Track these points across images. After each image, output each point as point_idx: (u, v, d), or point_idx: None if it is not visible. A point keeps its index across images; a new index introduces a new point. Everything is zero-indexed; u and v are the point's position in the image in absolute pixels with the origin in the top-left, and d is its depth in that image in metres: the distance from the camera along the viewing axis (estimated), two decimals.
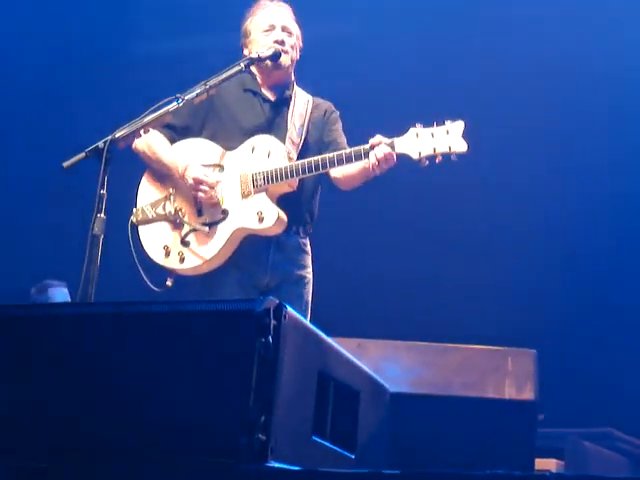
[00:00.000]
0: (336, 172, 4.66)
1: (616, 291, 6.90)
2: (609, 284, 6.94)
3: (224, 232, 4.53)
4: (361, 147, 4.41)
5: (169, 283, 4.55)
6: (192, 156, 4.65)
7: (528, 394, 4.35)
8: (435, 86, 7.01)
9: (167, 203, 4.63)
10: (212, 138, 4.69)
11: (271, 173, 4.50)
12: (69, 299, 6.55)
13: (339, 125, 4.88)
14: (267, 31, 4.72)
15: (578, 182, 7.04)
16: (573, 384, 6.56)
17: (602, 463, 5.59)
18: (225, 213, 4.55)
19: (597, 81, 6.99)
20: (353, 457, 3.10)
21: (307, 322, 2.86)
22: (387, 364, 4.31)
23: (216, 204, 4.56)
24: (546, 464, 5.11)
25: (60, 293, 6.55)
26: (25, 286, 6.59)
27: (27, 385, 2.79)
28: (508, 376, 4.36)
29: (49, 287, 6.57)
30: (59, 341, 2.81)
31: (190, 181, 4.54)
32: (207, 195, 4.52)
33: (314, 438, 2.85)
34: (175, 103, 4.23)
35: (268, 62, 4.67)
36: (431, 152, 4.32)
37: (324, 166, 4.45)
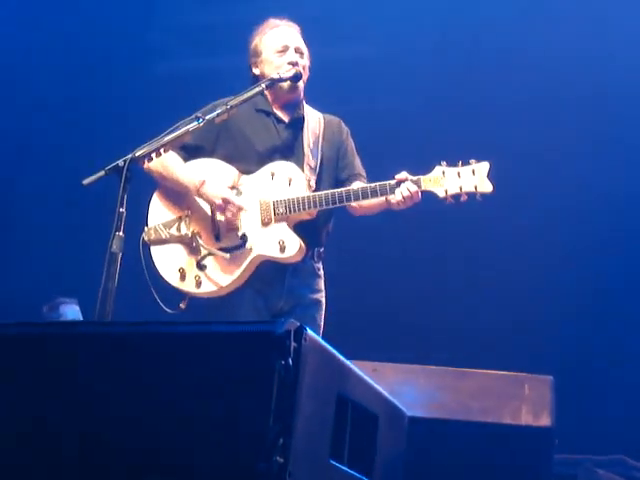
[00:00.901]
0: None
1: (634, 320, 6.87)
2: (626, 313, 6.92)
3: (244, 259, 4.52)
4: (387, 183, 4.45)
5: (182, 306, 4.54)
6: (207, 176, 4.63)
7: (545, 421, 4.32)
8: (450, 107, 7.02)
9: (182, 224, 4.61)
10: (226, 159, 4.69)
11: (293, 202, 4.50)
12: (80, 316, 6.56)
13: (352, 145, 4.91)
14: (280, 52, 4.74)
15: (596, 200, 7.02)
16: (587, 411, 6.53)
17: None
18: (244, 239, 4.53)
19: (598, 85, 7.00)
20: None
21: (327, 345, 2.85)
22: (403, 388, 4.29)
23: (234, 229, 4.55)
24: None
25: (72, 310, 6.56)
26: (39, 303, 6.61)
27: (46, 403, 2.78)
28: (525, 402, 4.34)
29: (61, 304, 6.58)
30: (74, 361, 2.80)
31: (217, 201, 4.52)
32: (232, 216, 4.51)
33: (331, 462, 2.83)
34: (195, 123, 4.24)
35: (284, 85, 4.68)
36: (457, 191, 4.40)
37: (348, 199, 4.48)
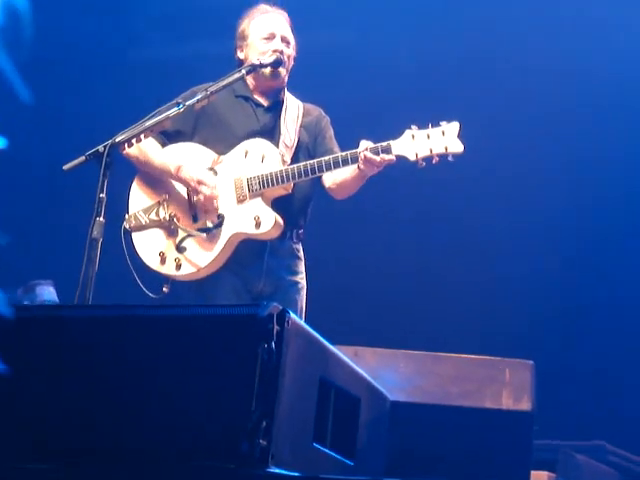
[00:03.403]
0: (330, 182, 4.68)
1: (614, 303, 6.90)
2: (607, 296, 6.95)
3: (221, 237, 4.53)
4: (356, 150, 4.42)
5: (165, 289, 4.54)
6: (185, 159, 4.64)
7: (525, 405, 4.33)
8: (430, 91, 7.03)
9: (160, 209, 4.62)
10: (204, 144, 4.68)
11: (266, 177, 4.50)
12: (56, 297, 6.53)
13: (331, 132, 4.89)
14: (266, 39, 4.72)
15: (579, 187, 7.05)
16: (566, 396, 6.56)
17: (594, 476, 5.57)
18: (221, 218, 4.54)
19: (598, 78, 7.02)
20: (352, 464, 3.10)
21: (309, 328, 2.86)
22: (384, 372, 4.29)
23: (211, 210, 4.55)
24: (538, 476, 5.08)
25: (47, 292, 6.53)
26: (16, 286, 6.58)
27: (29, 387, 2.78)
28: (505, 386, 4.35)
29: (37, 286, 6.55)
30: (60, 343, 2.81)
31: (192, 183, 4.54)
32: (208, 194, 4.52)
33: (314, 444, 2.84)
34: (176, 108, 4.24)
35: (266, 71, 4.67)
36: (428, 153, 4.35)
37: (320, 169, 4.47)
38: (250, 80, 4.76)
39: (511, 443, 4.29)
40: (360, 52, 7.39)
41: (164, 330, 2.72)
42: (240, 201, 4.54)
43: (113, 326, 2.77)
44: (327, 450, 2.93)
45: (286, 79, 4.80)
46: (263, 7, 4.85)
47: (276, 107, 4.79)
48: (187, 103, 4.28)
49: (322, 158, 4.50)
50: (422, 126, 4.38)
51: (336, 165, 4.45)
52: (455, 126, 4.36)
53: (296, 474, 2.57)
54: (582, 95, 6.99)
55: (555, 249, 7.00)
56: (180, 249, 4.55)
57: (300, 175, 4.48)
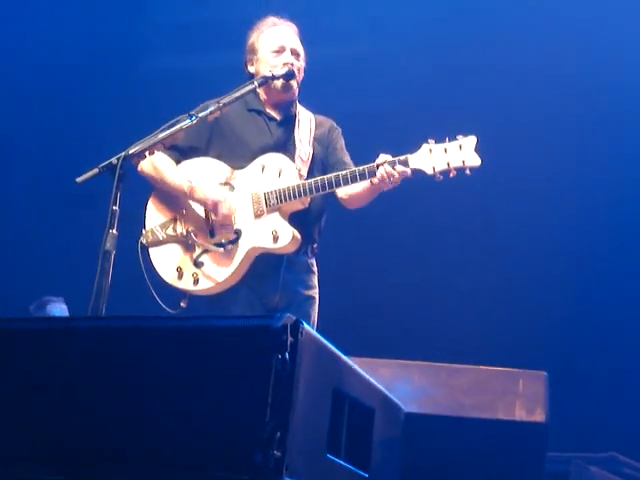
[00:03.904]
0: (342, 192, 4.68)
1: (628, 314, 6.89)
2: (621, 308, 6.94)
3: (238, 252, 4.54)
4: (373, 164, 4.43)
5: (183, 305, 4.56)
6: (200, 175, 4.65)
7: (539, 416, 4.32)
8: (442, 101, 7.04)
9: (177, 224, 4.64)
10: (219, 158, 4.70)
11: (284, 192, 4.51)
12: (67, 314, 6.56)
13: (342, 143, 4.91)
14: (276, 52, 4.74)
15: (595, 197, 7.05)
16: (578, 408, 6.55)
17: None
18: (238, 233, 4.55)
19: (602, 82, 7.02)
20: (366, 476, 3.09)
21: (323, 339, 2.86)
22: (398, 384, 4.28)
23: (228, 224, 4.56)
24: None
25: (59, 309, 6.56)
26: (29, 301, 6.61)
27: (42, 398, 2.78)
28: (519, 398, 4.34)
29: (48, 303, 6.59)
30: (73, 354, 2.81)
31: (207, 204, 4.54)
32: (225, 214, 4.52)
33: (328, 456, 2.83)
34: (188, 121, 4.25)
35: (277, 84, 4.68)
36: (445, 167, 4.37)
37: (337, 183, 4.47)
38: (262, 93, 4.77)
39: (524, 455, 4.28)
40: (372, 63, 7.41)
41: (178, 341, 2.72)
42: (257, 216, 4.55)
43: (126, 337, 2.77)
44: (341, 461, 2.92)
45: (297, 91, 4.80)
46: (272, 20, 4.86)
47: (289, 121, 4.79)
48: (200, 115, 4.29)
49: (339, 172, 4.50)
50: (439, 140, 4.40)
51: (353, 179, 4.46)
52: (472, 140, 4.38)
53: None
54: (599, 100, 7.00)
55: (570, 259, 7.00)
56: (197, 264, 4.57)
57: (318, 189, 4.49)
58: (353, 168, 4.55)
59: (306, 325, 2.67)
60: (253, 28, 4.87)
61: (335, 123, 4.98)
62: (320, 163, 4.79)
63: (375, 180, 4.42)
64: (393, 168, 4.38)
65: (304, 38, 4.85)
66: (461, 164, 4.36)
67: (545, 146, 7.12)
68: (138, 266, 4.53)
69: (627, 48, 7.13)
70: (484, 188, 6.73)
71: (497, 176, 6.74)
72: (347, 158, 4.83)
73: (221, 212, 4.52)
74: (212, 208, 4.54)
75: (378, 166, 4.40)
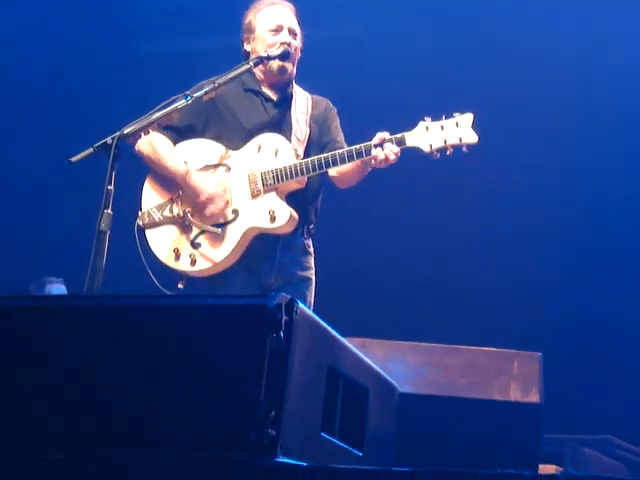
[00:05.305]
0: (333, 171, 4.67)
1: (623, 296, 6.90)
2: (617, 289, 6.95)
3: (236, 232, 4.53)
4: (370, 143, 4.43)
5: (181, 286, 4.55)
6: (195, 157, 4.64)
7: (533, 397, 4.33)
8: (439, 83, 7.03)
9: (174, 206, 4.62)
10: (216, 139, 4.68)
11: (281, 172, 4.50)
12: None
13: (337, 122, 4.90)
14: (274, 31, 4.71)
15: (584, 182, 7.05)
16: (573, 390, 6.56)
17: (601, 470, 5.57)
18: (235, 213, 4.54)
19: (603, 78, 7.01)
20: (361, 454, 3.10)
21: (318, 318, 2.86)
22: (392, 364, 4.28)
23: (226, 205, 4.55)
24: (545, 470, 5.08)
25: (58, 289, 6.56)
26: (28, 281, 6.60)
27: (33, 376, 2.78)
28: (513, 378, 4.35)
29: (47, 283, 6.58)
30: (67, 332, 2.80)
31: (202, 197, 4.52)
32: (220, 209, 4.52)
33: (323, 434, 2.84)
34: (184, 100, 4.23)
35: (273, 64, 4.66)
36: (442, 144, 4.37)
37: (334, 162, 4.47)
38: (258, 73, 4.76)
39: (519, 435, 4.29)
40: (369, 44, 7.39)
41: (172, 320, 2.72)
42: (254, 196, 4.54)
43: (120, 316, 2.77)
44: (335, 440, 2.93)
45: (294, 71, 4.79)
46: None
47: (285, 101, 4.78)
48: (195, 95, 4.27)
49: (336, 151, 4.50)
50: (435, 118, 4.39)
51: (350, 158, 4.46)
52: (469, 117, 4.38)
53: (304, 464, 2.57)
54: (604, 92, 6.99)
55: (564, 242, 7.01)
56: (195, 245, 4.55)
57: (315, 168, 4.48)
58: (348, 147, 4.54)
59: (301, 304, 2.68)
60: (250, 7, 4.84)
61: (331, 103, 4.97)
62: (317, 143, 4.78)
63: (373, 160, 4.42)
64: (388, 147, 4.38)
65: (301, 19, 4.83)
66: (458, 141, 4.36)
67: (546, 136, 7.10)
68: (135, 249, 4.52)
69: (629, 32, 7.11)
70: (480, 170, 6.73)
71: (492, 160, 6.73)
72: (341, 137, 4.82)
73: (217, 205, 4.51)
74: (206, 201, 4.53)
75: (375, 145, 4.40)
